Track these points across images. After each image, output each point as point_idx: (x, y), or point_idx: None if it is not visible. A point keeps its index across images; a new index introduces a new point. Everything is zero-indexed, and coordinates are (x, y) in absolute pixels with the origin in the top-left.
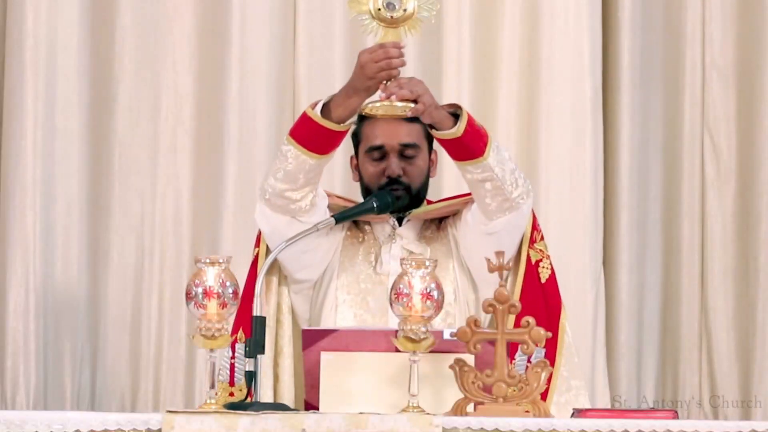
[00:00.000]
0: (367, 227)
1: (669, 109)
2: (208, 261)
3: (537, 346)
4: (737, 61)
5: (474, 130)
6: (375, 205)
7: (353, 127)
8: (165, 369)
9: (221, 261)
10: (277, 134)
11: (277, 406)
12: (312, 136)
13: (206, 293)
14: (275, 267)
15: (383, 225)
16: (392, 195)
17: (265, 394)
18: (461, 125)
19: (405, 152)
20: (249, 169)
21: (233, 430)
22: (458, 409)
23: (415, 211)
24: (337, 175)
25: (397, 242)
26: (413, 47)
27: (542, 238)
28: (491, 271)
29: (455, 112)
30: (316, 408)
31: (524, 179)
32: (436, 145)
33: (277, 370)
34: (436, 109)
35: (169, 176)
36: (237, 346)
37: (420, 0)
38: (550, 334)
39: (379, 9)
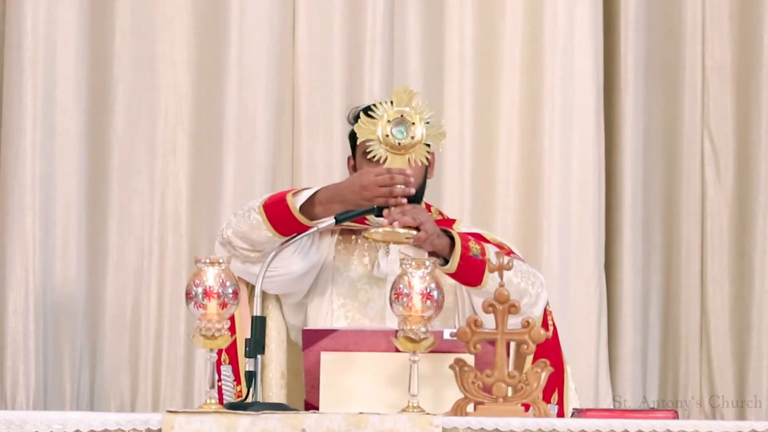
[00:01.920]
0: (363, 233)
1: (669, 110)
2: (208, 261)
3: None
4: (736, 62)
5: (468, 262)
6: (375, 206)
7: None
8: (164, 369)
9: (221, 261)
10: (276, 134)
11: (277, 406)
12: (282, 220)
13: (206, 293)
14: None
15: None
16: None
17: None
18: (453, 263)
19: None
20: (248, 169)
21: (233, 430)
22: (458, 409)
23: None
24: (337, 176)
25: (394, 246)
26: (415, 50)
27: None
28: (491, 271)
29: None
30: (316, 408)
31: (533, 284)
32: (433, 146)
33: (262, 386)
34: (438, 238)
35: (168, 176)
36: (222, 368)
37: (427, 128)
38: (549, 334)
39: (387, 135)
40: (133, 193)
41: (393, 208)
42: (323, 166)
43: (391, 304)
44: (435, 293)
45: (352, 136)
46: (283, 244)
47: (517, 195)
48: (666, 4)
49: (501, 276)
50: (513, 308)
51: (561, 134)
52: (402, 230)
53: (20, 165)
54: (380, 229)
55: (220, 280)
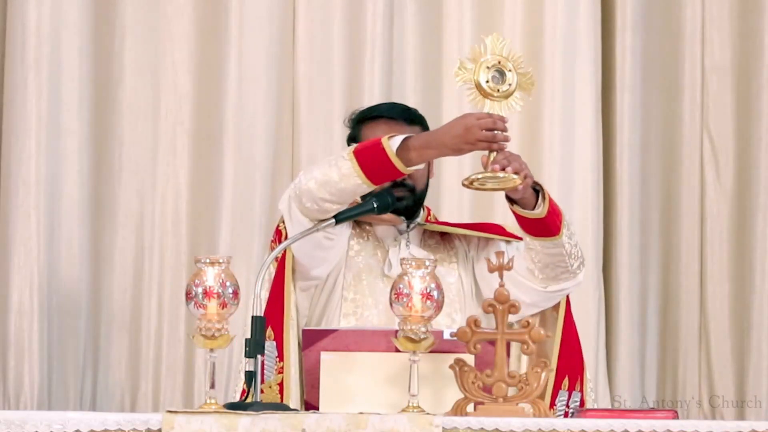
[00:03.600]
0: (368, 227)
1: (668, 110)
2: (208, 261)
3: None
4: (736, 63)
5: (554, 209)
6: (375, 206)
7: (349, 131)
8: (164, 369)
9: (221, 261)
10: (275, 134)
11: (277, 406)
12: (375, 164)
13: (206, 293)
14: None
15: (388, 227)
16: (392, 195)
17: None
18: (545, 206)
19: None
20: (248, 169)
21: (233, 430)
22: (458, 409)
23: (430, 225)
24: None
25: (404, 245)
26: (414, 50)
27: None
28: (491, 271)
29: (534, 187)
30: (316, 408)
31: (580, 248)
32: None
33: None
34: (530, 185)
35: (169, 175)
36: (267, 344)
37: (519, 76)
38: (550, 334)
39: (488, 81)
40: (134, 192)
41: (497, 154)
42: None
43: (391, 304)
44: (435, 293)
45: (353, 140)
46: (305, 232)
47: None
48: (665, 4)
49: (501, 276)
50: (513, 308)
51: (560, 134)
52: (502, 174)
53: (24, 164)
54: (482, 175)
55: (220, 280)
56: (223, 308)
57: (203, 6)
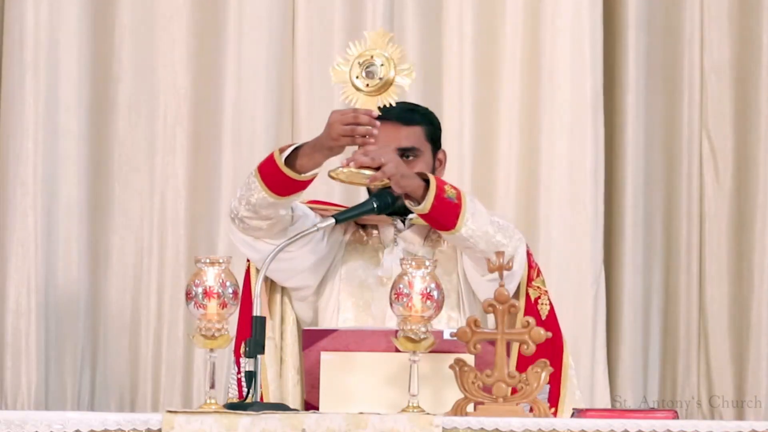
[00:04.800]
0: (374, 231)
1: (668, 110)
2: (207, 261)
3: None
4: (735, 63)
5: (443, 204)
6: (375, 205)
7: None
8: (164, 369)
9: (221, 261)
10: (275, 135)
11: (277, 406)
12: (273, 178)
13: (206, 293)
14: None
15: (388, 228)
16: (392, 195)
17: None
18: (427, 203)
19: (404, 156)
20: (246, 169)
21: (233, 430)
22: (458, 409)
23: (416, 219)
24: None
25: (400, 245)
26: (415, 50)
27: (539, 274)
28: (491, 271)
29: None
30: (316, 408)
31: (510, 236)
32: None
33: (280, 381)
34: (404, 179)
35: (168, 176)
36: (242, 360)
37: (397, 70)
38: (550, 334)
39: (357, 77)
40: (133, 192)
41: (357, 149)
42: (323, 166)
43: (391, 304)
44: (435, 293)
45: None
46: (290, 239)
47: (517, 195)
48: (665, 4)
49: (501, 276)
50: (512, 308)
51: (560, 134)
52: (367, 171)
53: (22, 165)
54: (344, 169)
55: (220, 280)
56: (223, 308)
57: (202, 6)
